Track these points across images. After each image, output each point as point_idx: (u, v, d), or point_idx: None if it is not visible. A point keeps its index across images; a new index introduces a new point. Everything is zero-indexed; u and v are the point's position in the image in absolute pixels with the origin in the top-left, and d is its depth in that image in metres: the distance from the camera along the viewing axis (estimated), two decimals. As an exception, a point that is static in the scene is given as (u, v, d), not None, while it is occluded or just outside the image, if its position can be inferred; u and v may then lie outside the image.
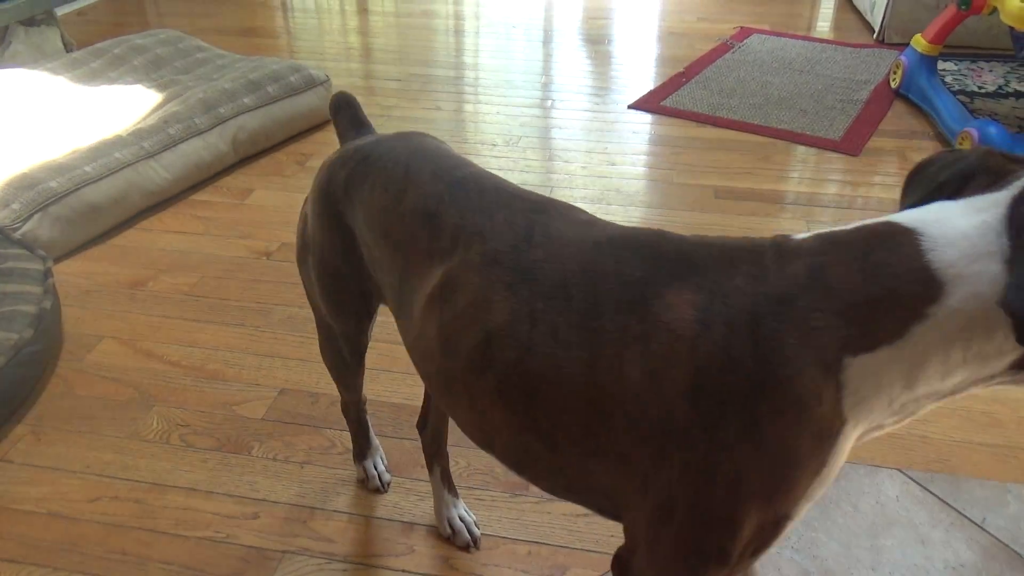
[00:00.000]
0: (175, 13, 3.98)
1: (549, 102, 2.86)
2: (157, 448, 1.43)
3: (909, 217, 0.66)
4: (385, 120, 2.73)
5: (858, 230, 0.68)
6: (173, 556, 1.23)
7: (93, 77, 2.60)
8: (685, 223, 2.09)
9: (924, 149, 2.47)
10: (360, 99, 2.86)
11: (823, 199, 2.20)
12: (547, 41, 3.52)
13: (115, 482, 1.36)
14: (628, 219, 2.11)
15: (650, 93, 2.90)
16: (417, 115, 2.77)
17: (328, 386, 1.57)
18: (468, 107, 2.84)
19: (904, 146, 2.49)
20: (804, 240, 0.69)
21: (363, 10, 4.03)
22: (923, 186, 0.72)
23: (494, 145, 2.54)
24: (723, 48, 3.34)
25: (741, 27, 3.60)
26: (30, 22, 2.83)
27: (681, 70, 3.11)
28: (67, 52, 3.01)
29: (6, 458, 1.41)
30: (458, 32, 3.66)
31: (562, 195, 2.24)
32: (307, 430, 1.47)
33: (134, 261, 1.97)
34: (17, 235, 1.85)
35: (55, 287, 1.71)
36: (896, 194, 2.23)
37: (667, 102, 2.81)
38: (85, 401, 1.53)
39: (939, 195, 0.68)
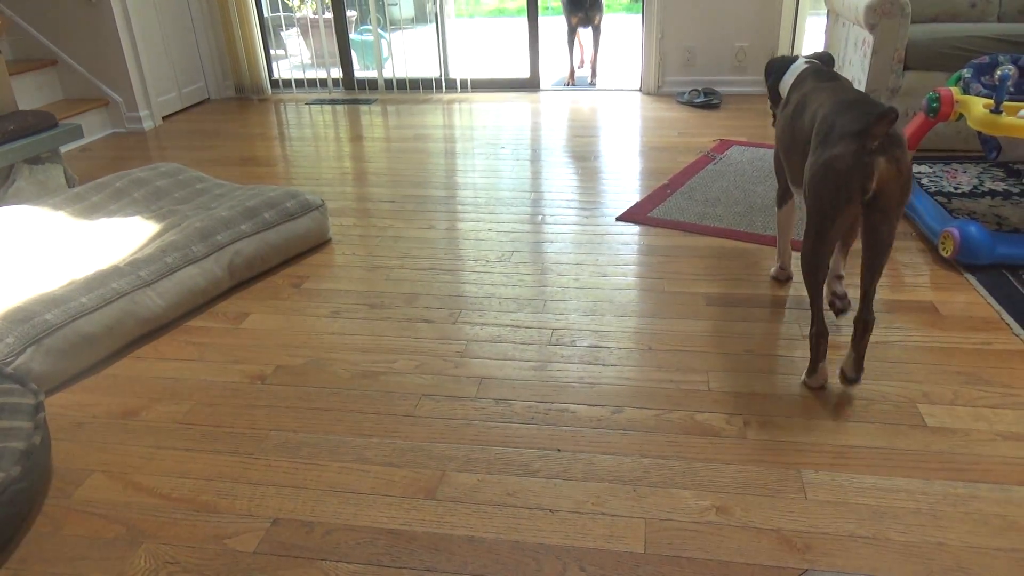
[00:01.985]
0: (176, 147, 4.14)
1: (540, 217, 2.94)
2: (144, 588, 1.37)
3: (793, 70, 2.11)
4: (379, 240, 2.79)
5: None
6: None
7: (93, 210, 2.67)
8: (679, 331, 2.10)
9: (908, 249, 2.52)
10: (355, 220, 2.95)
11: (814, 302, 2.22)
12: (535, 159, 3.65)
13: (99, 627, 1.30)
14: (622, 329, 2.12)
15: (637, 205, 2.98)
16: (412, 234, 2.83)
17: (323, 514, 1.53)
18: (461, 225, 2.91)
19: (888, 247, 2.54)
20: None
21: (357, 137, 4.19)
22: (777, 68, 2.17)
23: (487, 261, 2.59)
24: (705, 160, 3.46)
25: (721, 139, 3.74)
26: (35, 160, 2.93)
27: (665, 182, 3.21)
28: (70, 187, 3.10)
29: (-15, 605, 1.35)
30: (449, 154, 3.80)
31: (556, 307, 2.26)
32: (300, 563, 1.42)
33: (127, 390, 1.96)
34: (10, 369, 1.84)
35: (46, 421, 1.68)
36: (885, 293, 2.25)
37: (654, 213, 2.89)
38: (71, 540, 1.48)
39: (784, 70, 2.14)
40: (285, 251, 2.62)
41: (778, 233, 2.33)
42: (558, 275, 2.47)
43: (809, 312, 1.86)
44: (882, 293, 2.25)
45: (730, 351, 2.00)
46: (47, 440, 1.66)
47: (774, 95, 2.20)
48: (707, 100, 4.42)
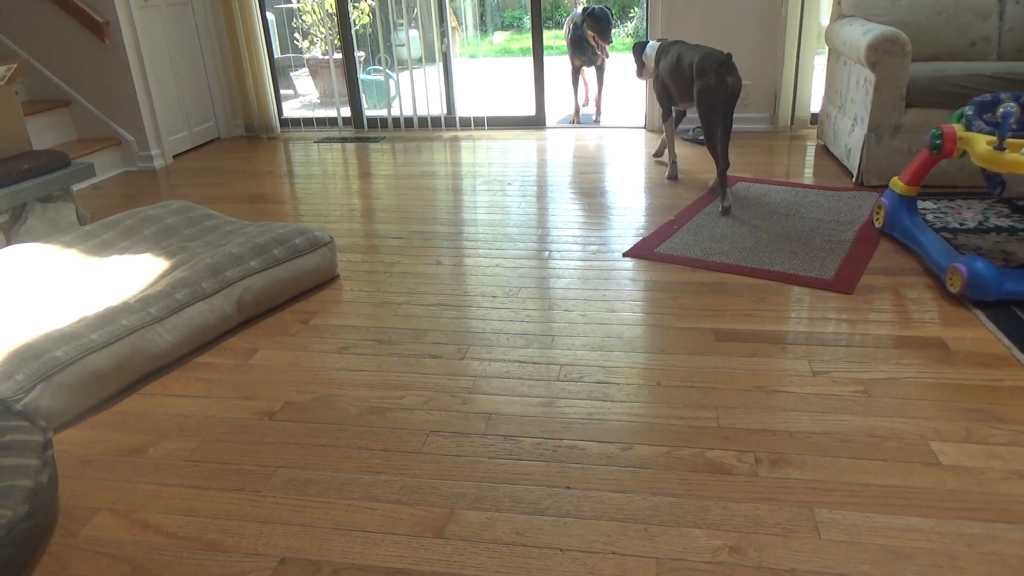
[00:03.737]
0: (186, 184, 4.18)
1: (546, 253, 2.95)
2: (149, 629, 1.35)
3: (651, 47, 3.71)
4: (387, 276, 2.80)
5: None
6: None
7: (104, 248, 2.69)
8: (688, 367, 2.09)
9: (916, 285, 2.51)
10: (363, 257, 2.97)
11: (823, 338, 2.21)
12: (541, 196, 3.68)
13: (103, 669, 1.28)
14: (631, 365, 2.12)
15: (643, 241, 2.99)
16: (419, 270, 2.84)
17: (330, 553, 1.51)
18: (468, 260, 2.92)
19: (896, 283, 2.54)
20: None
21: (365, 174, 4.23)
22: (639, 45, 3.83)
23: (494, 297, 2.59)
24: (710, 196, 3.48)
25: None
26: (47, 198, 2.96)
27: (672, 218, 3.23)
28: (81, 225, 3.13)
29: (-11, 647, 1.33)
30: (456, 191, 3.83)
31: (563, 343, 2.25)
32: (308, 602, 1.40)
33: (135, 427, 1.95)
34: (19, 406, 1.84)
35: (54, 459, 1.68)
36: (894, 330, 2.24)
37: (661, 249, 2.90)
38: (76, 579, 1.47)
39: (643, 46, 3.81)
40: (294, 287, 2.63)
41: (666, 138, 3.86)
42: (565, 311, 2.47)
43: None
44: (890, 329, 2.24)
45: (740, 387, 1.99)
46: (55, 478, 1.65)
47: (639, 61, 3.85)
48: (711, 137, 4.46)
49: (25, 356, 1.96)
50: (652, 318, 2.39)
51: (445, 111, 5.19)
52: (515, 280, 2.72)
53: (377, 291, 2.69)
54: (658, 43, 3.65)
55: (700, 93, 3.19)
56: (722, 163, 3.24)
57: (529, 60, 5.07)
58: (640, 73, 3.88)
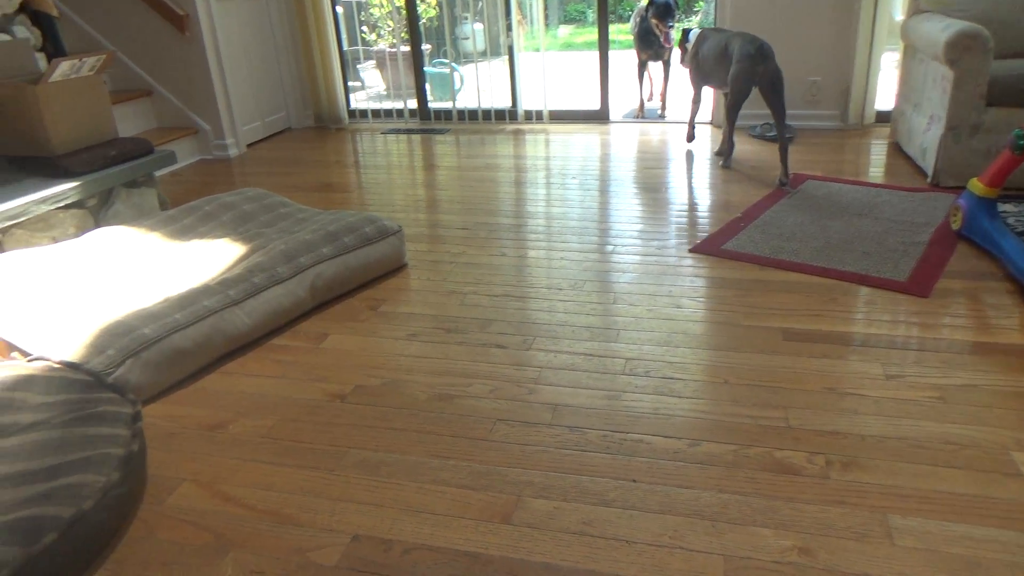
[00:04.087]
0: (257, 172, 4.30)
1: (610, 248, 2.94)
2: (232, 596, 1.41)
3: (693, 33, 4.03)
4: (453, 266, 2.83)
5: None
6: None
7: (185, 232, 2.79)
8: (756, 365, 2.07)
9: (995, 290, 2.43)
10: (429, 246, 3.01)
11: (897, 341, 2.16)
12: (604, 190, 3.67)
13: (189, 632, 1.34)
14: (697, 361, 2.10)
15: (710, 237, 2.96)
16: (483, 261, 2.87)
17: (401, 533, 1.55)
18: (532, 253, 2.93)
19: (975, 287, 2.46)
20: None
21: (430, 165, 4.29)
22: (685, 35, 4.05)
23: (560, 289, 2.60)
24: (779, 194, 3.42)
25: (795, 174, 3.69)
26: (132, 184, 3.09)
27: (739, 215, 3.19)
28: (162, 210, 3.25)
29: (85, 604, 1.41)
30: (520, 183, 3.85)
31: (628, 337, 2.25)
32: (381, 579, 1.44)
33: (215, 404, 2.03)
34: (110, 380, 1.93)
35: (143, 430, 1.76)
36: (971, 335, 2.17)
37: (728, 245, 2.86)
38: (164, 545, 1.54)
39: (688, 33, 4.11)
40: (363, 274, 2.69)
41: (691, 112, 4.18)
42: (630, 305, 2.46)
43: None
44: (968, 335, 2.18)
45: (810, 388, 1.96)
46: (143, 448, 1.73)
47: (683, 48, 4.06)
48: (779, 134, 4.38)
49: (116, 332, 2.05)
50: (719, 315, 2.36)
51: (510, 104, 5.21)
52: (579, 273, 2.73)
53: (443, 280, 2.73)
54: (699, 30, 4.00)
55: (734, 76, 3.54)
56: (783, 141, 3.56)
57: (591, 54, 5.04)
58: (683, 59, 4.15)
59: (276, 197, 3.13)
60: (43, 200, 2.65)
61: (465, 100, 5.48)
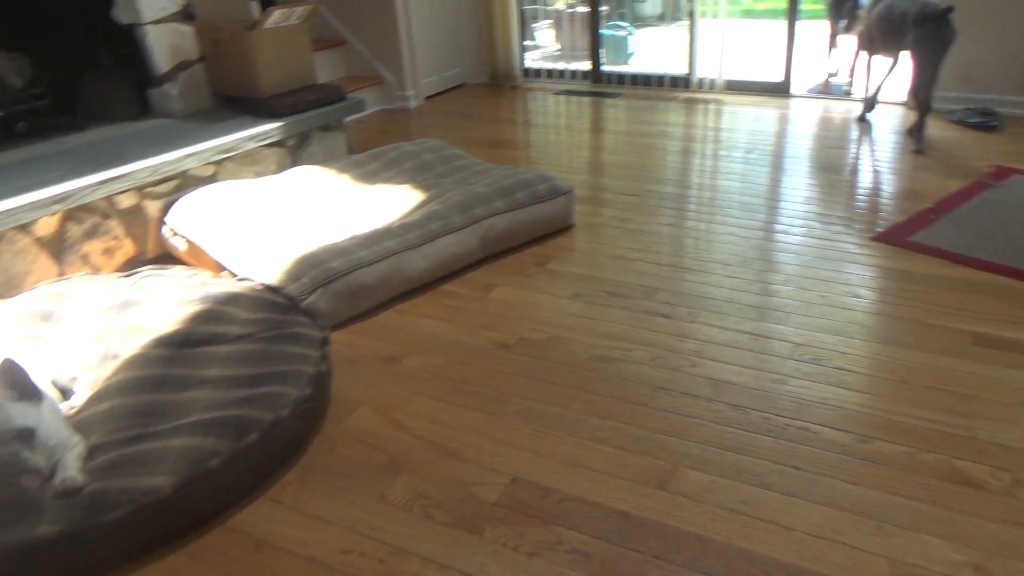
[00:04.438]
0: (433, 125, 4.46)
1: (783, 227, 2.82)
2: (401, 514, 1.52)
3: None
4: (620, 232, 2.83)
5: None
6: (410, 622, 1.28)
7: (370, 176, 2.96)
8: (939, 368, 1.94)
9: None
10: (598, 210, 3.01)
11: (1108, 359, 1.95)
12: (781, 166, 3.51)
13: (364, 539, 1.46)
14: (873, 355, 2.00)
15: (896, 226, 2.77)
16: (649, 228, 2.85)
17: (558, 482, 1.60)
18: (701, 225, 2.87)
19: None
20: None
21: (600, 128, 4.27)
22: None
23: (728, 264, 2.54)
24: (979, 186, 3.14)
25: (999, 166, 3.36)
26: (325, 127, 3.30)
27: (930, 206, 2.96)
28: (349, 154, 3.46)
29: (277, 499, 1.57)
30: (692, 153, 3.76)
31: (799, 322, 2.17)
32: (536, 523, 1.50)
33: (390, 339, 2.17)
34: (303, 305, 2.11)
35: (330, 354, 1.91)
36: None
37: (916, 237, 2.67)
38: (344, 459, 1.68)
39: None
40: (532, 231, 2.74)
41: (869, 80, 4.07)
42: (802, 289, 2.37)
43: None
44: None
45: (1001, 400, 1.81)
46: (330, 370, 1.88)
47: (849, 16, 4.12)
48: (984, 121, 3.98)
49: (309, 263, 2.23)
50: (900, 310, 2.22)
51: (685, 71, 5.07)
52: (750, 250, 2.65)
53: (610, 244, 2.73)
54: None
55: (916, 42, 3.40)
56: (924, 109, 3.54)
57: (772, 22, 4.78)
58: (849, 26, 4.19)
59: (453, 149, 3.24)
60: (252, 137, 2.89)
61: (638, 65, 5.38)
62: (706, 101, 4.78)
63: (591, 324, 2.21)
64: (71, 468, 1.46)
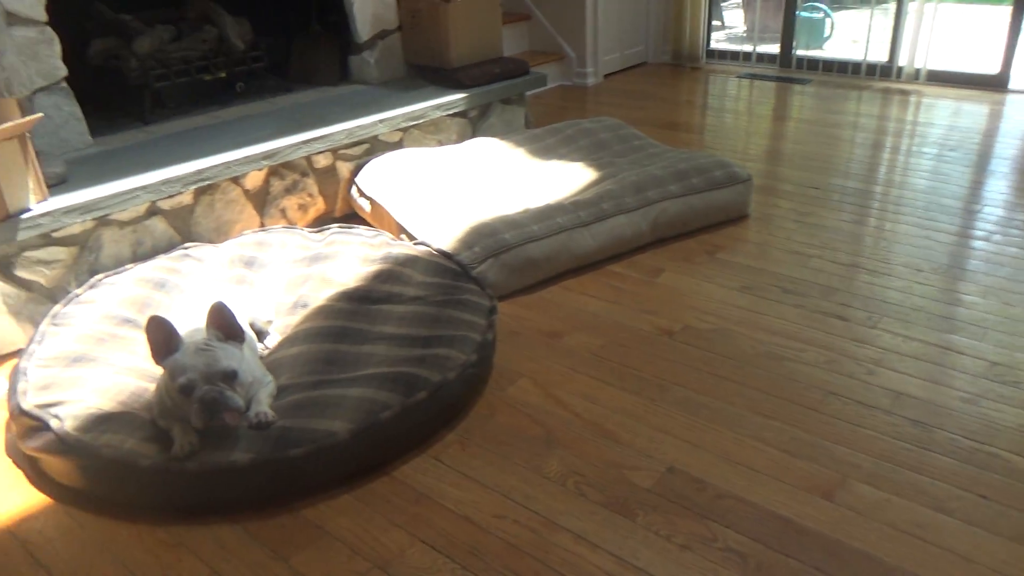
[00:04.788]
0: (609, 104, 4.40)
1: (985, 233, 2.55)
2: (554, 488, 1.54)
3: None
4: (798, 226, 2.67)
5: None
6: (557, 593, 1.30)
7: (546, 151, 2.97)
8: None
9: None
10: (774, 200, 2.86)
11: None
12: (988, 168, 3.16)
13: (517, 507, 1.50)
14: (1088, 386, 1.77)
15: None
16: (835, 225, 2.67)
17: (715, 477, 1.55)
18: (891, 226, 2.65)
19: None
20: None
21: (785, 116, 4.04)
22: None
23: (919, 270, 2.33)
24: None
25: None
26: (506, 101, 3.35)
27: None
28: (527, 128, 3.50)
29: (438, 458, 1.64)
30: (887, 148, 3.47)
31: (999, 340, 1.96)
32: (690, 515, 1.46)
33: (554, 315, 2.18)
34: (473, 273, 2.17)
35: (496, 323, 1.96)
36: None
37: None
38: (502, 427, 1.72)
39: None
40: (705, 218, 2.65)
41: None
42: (1006, 304, 2.13)
43: None
44: None
45: None
46: (495, 339, 1.93)
47: None
48: None
49: (483, 233, 2.28)
50: None
51: (885, 58, 4.67)
52: (945, 256, 2.41)
53: (786, 238, 2.59)
54: None
55: None
56: None
57: (994, 9, 4.27)
58: None
59: (630, 129, 3.18)
60: (438, 107, 2.99)
61: (833, 50, 5.02)
62: (905, 92, 4.39)
63: (760, 319, 2.11)
64: (263, 403, 1.60)
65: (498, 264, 2.23)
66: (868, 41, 4.78)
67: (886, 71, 4.67)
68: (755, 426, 1.69)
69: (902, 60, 4.62)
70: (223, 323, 1.55)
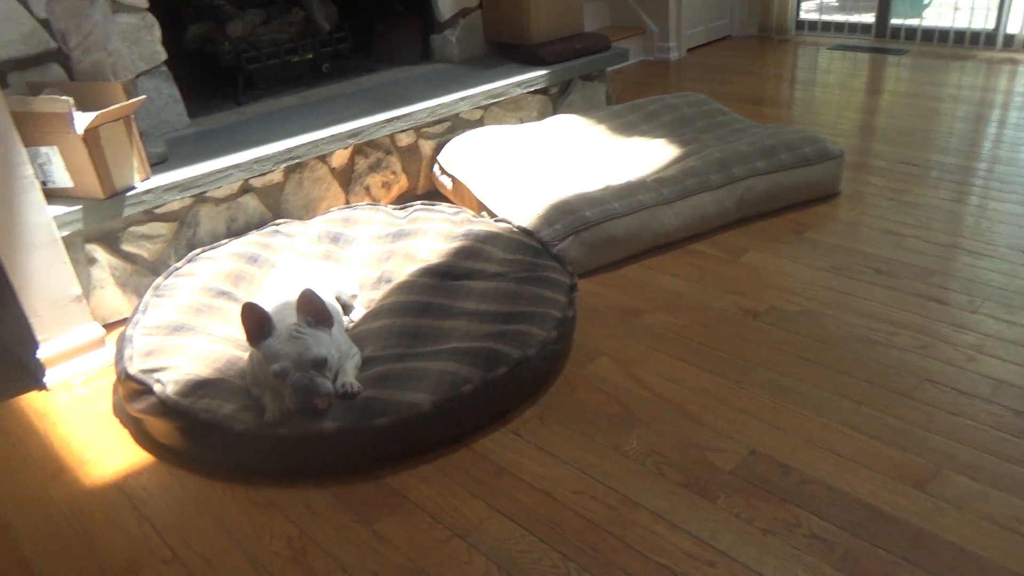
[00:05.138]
0: (693, 78, 4.28)
1: (1108, 215, 2.36)
2: (634, 466, 1.53)
3: None
4: (892, 204, 2.55)
5: None
6: (634, 571, 1.30)
7: (628, 128, 2.92)
8: None
9: None
10: (863, 176, 2.74)
11: None
12: (1111, 143, 2.92)
13: (596, 484, 1.49)
14: None
15: None
16: (932, 203, 2.53)
17: (800, 462, 1.51)
18: (995, 205, 2.49)
19: None
20: None
21: (879, 89, 3.83)
22: None
23: (1026, 252, 2.19)
24: None
25: None
26: (587, 77, 3.30)
27: None
28: (608, 104, 3.44)
29: (517, 432, 1.65)
30: (991, 122, 3.25)
31: (1117, 328, 1.82)
32: (774, 499, 1.43)
33: (634, 293, 2.16)
34: (554, 250, 2.16)
35: (576, 301, 1.95)
36: None
37: None
38: (581, 404, 1.72)
39: None
40: (793, 195, 2.56)
41: None
42: (1125, 290, 1.98)
43: None
44: None
45: None
46: (575, 316, 1.92)
47: None
48: None
49: (563, 210, 2.27)
50: None
51: (992, 25, 4.36)
52: (1057, 238, 2.26)
53: (880, 217, 2.47)
54: None
55: None
56: None
57: None
58: None
59: (715, 104, 3.09)
60: (518, 84, 2.98)
61: (933, 17, 4.73)
62: (1014, 61, 4.10)
63: (850, 301, 2.03)
64: (350, 375, 1.64)
65: (579, 241, 2.21)
66: (972, 8, 4.48)
67: (991, 39, 4.37)
68: (843, 411, 1.63)
69: (1011, 27, 4.31)
70: (313, 309, 1.58)
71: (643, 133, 2.87)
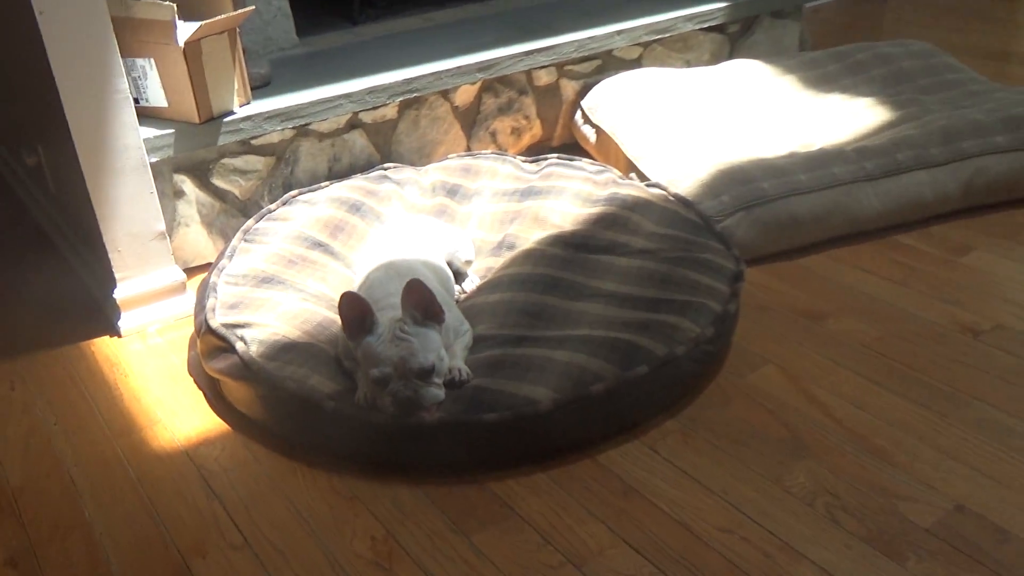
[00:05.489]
0: (916, 23, 4.06)
1: None
2: (799, 507, 1.48)
3: None
4: None
5: None
6: (791, 637, 1.26)
7: (826, 81, 2.81)
8: None
9: None
10: None
11: None
12: None
13: (749, 522, 1.45)
14: None
15: None
16: None
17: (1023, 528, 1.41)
18: None
19: None
20: None
21: None
22: None
23: None
24: None
25: None
26: (778, 14, 3.19)
27: None
28: (801, 49, 3.32)
29: (653, 447, 1.63)
30: None
31: None
32: (983, 571, 1.34)
33: (816, 289, 2.08)
34: (719, 228, 2.11)
35: (741, 292, 1.89)
36: None
37: None
38: (737, 422, 1.68)
39: None
40: (1041, 183, 2.38)
41: None
42: None
43: None
44: None
45: None
46: (737, 312, 1.87)
47: None
48: None
49: (734, 178, 2.21)
50: None
51: None
52: None
53: None
54: None
55: None
56: None
57: None
58: None
59: (945, 57, 2.92)
60: (690, 18, 2.91)
61: None
62: None
63: (1113, 328, 1.87)
64: (459, 357, 1.67)
65: (751, 219, 2.15)
66: None
67: None
68: (1089, 470, 1.51)
69: None
70: (421, 303, 1.59)
71: (845, 89, 2.75)
